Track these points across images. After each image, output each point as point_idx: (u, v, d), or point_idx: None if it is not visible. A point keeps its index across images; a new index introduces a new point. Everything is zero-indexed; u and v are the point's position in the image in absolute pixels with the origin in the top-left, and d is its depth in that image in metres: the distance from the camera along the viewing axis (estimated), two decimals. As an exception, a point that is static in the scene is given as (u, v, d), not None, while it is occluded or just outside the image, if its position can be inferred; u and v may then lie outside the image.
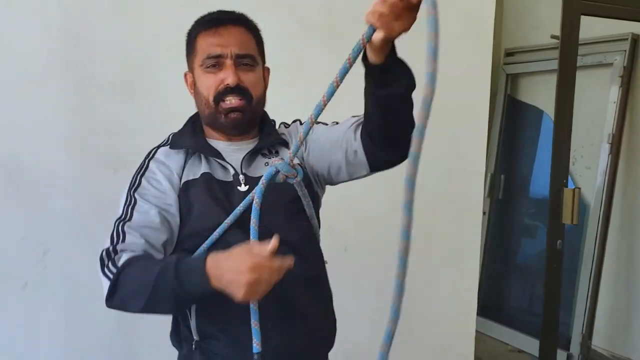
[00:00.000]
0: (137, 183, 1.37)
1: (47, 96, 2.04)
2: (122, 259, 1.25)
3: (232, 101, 1.35)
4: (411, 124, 1.08)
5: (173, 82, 1.44)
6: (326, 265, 1.50)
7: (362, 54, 1.11)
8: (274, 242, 1.13)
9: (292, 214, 1.39)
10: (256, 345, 1.22)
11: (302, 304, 1.37)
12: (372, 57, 1.12)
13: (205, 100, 1.37)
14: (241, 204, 1.29)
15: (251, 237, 1.23)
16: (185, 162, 1.39)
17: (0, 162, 2.00)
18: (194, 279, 1.15)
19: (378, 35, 1.05)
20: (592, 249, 3.55)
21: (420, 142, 0.90)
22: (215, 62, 1.35)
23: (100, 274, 1.26)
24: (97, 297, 2.11)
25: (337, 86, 1.09)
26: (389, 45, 1.09)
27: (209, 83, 1.36)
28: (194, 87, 1.42)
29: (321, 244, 1.51)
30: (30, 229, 2.05)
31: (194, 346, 1.37)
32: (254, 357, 1.22)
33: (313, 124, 1.19)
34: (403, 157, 1.22)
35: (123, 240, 1.28)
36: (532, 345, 3.61)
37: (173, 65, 1.43)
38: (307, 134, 1.21)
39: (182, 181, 1.36)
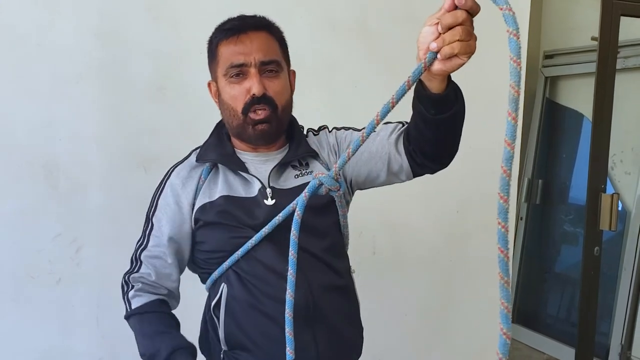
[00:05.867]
0: (154, 206, 1.39)
1: (82, 97, 2.08)
2: (134, 303, 1.36)
3: (259, 113, 1.31)
4: (460, 133, 1.19)
5: (204, 85, 1.45)
6: (355, 269, 1.49)
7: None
8: None
9: (323, 225, 1.37)
10: (289, 354, 1.21)
11: (328, 313, 1.35)
12: (431, 86, 1.04)
13: (233, 111, 1.33)
14: (280, 215, 1.25)
15: (290, 248, 1.17)
16: (204, 180, 1.37)
17: (36, 160, 2.05)
18: None
19: (441, 67, 0.93)
20: (633, 256, 3.44)
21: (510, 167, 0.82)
22: (239, 71, 1.31)
23: (121, 297, 1.39)
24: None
25: (393, 106, 0.99)
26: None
27: (234, 93, 1.32)
28: (218, 96, 1.38)
29: (349, 247, 1.50)
30: (64, 226, 2.09)
31: (222, 356, 1.36)
32: None
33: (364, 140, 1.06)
34: (449, 162, 1.28)
35: (138, 270, 1.38)
36: (568, 354, 3.52)
37: (204, 68, 1.43)
38: (355, 151, 1.09)
39: (198, 205, 1.35)
